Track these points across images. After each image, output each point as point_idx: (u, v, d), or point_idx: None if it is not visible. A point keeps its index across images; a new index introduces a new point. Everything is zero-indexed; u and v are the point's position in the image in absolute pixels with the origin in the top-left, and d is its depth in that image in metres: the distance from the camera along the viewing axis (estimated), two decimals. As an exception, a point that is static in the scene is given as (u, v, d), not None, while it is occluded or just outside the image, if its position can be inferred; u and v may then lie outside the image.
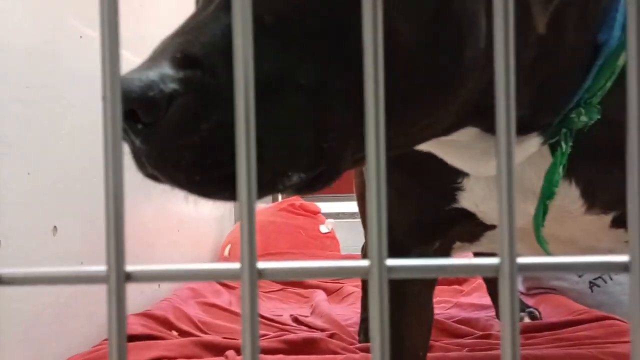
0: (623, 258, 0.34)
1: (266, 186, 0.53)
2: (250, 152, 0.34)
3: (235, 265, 0.36)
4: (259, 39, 0.50)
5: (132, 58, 1.23)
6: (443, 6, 0.54)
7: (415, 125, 0.59)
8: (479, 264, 0.36)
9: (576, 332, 1.25)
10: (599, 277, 1.48)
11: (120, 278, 0.37)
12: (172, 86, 0.50)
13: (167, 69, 0.50)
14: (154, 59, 0.52)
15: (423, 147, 0.67)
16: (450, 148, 0.68)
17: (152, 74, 0.50)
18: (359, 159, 0.58)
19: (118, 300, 0.37)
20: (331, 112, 0.54)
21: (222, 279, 0.37)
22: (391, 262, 0.34)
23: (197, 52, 0.51)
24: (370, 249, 0.34)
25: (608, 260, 0.35)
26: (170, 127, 0.50)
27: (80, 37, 1.26)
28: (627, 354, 1.12)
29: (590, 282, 1.49)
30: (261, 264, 0.36)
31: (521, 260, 0.35)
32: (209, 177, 0.51)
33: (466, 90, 0.58)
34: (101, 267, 0.38)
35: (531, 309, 1.45)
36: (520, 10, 0.58)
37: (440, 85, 0.56)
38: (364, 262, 0.35)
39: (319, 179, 0.57)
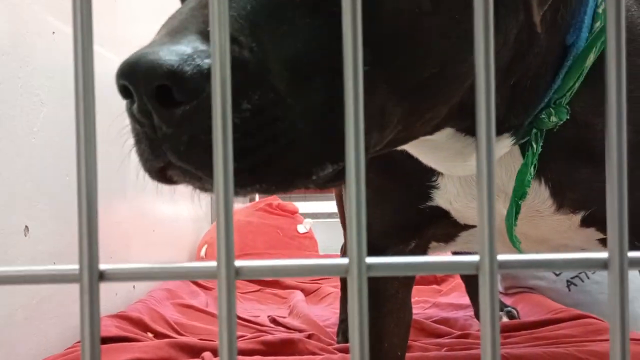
0: (602, 255, 0.34)
1: (301, 175, 0.49)
2: (227, 143, 0.33)
3: (212, 264, 0.35)
4: (291, 17, 0.48)
5: (106, 54, 1.21)
6: None
7: (421, 119, 0.58)
8: (459, 261, 0.36)
9: (554, 330, 1.26)
10: (577, 276, 1.49)
11: (93, 277, 0.36)
12: (208, 61, 0.44)
13: (198, 44, 0.45)
14: (175, 34, 0.46)
15: (404, 145, 0.67)
16: (426, 148, 0.68)
17: (184, 48, 0.44)
18: (380, 150, 0.55)
19: (91, 300, 0.36)
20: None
21: (198, 278, 0.36)
22: (371, 260, 0.34)
23: (230, 26, 0.48)
24: (350, 247, 0.34)
25: (587, 257, 0.35)
26: (207, 107, 0.44)
27: (53, 32, 1.24)
28: (605, 353, 1.13)
29: (567, 281, 1.50)
30: (239, 262, 0.35)
31: (501, 257, 0.34)
32: (244, 165, 0.46)
33: (467, 86, 0.58)
34: (74, 266, 0.36)
35: (509, 308, 1.45)
36: (502, 9, 0.59)
37: (453, 76, 0.56)
38: (343, 260, 0.34)
39: (343, 172, 0.55)
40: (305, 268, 0.36)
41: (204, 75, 0.44)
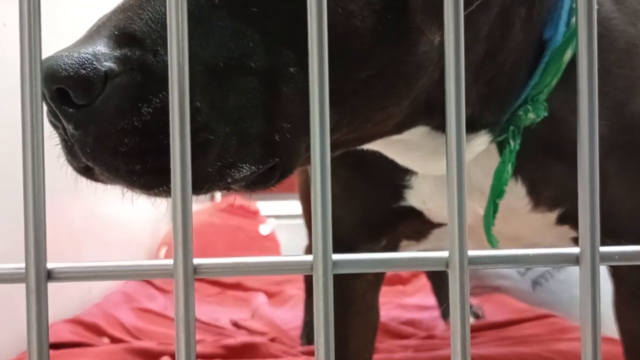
0: (574, 250, 0.33)
1: (213, 179, 0.50)
2: (184, 132, 0.32)
3: (169, 262, 0.33)
4: (208, 18, 0.49)
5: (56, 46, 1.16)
6: None
7: (369, 121, 0.57)
8: (428, 257, 0.34)
9: (519, 330, 1.26)
10: (541, 276, 1.50)
11: (40, 276, 0.33)
12: (107, 65, 0.46)
13: (102, 47, 0.47)
14: (90, 37, 0.48)
15: (373, 146, 0.66)
16: (399, 148, 0.67)
17: (85, 51, 0.46)
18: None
19: (38, 301, 0.33)
20: (284, 100, 0.51)
21: (154, 277, 0.33)
22: (337, 256, 0.33)
23: (138, 29, 0.48)
24: (315, 243, 0.32)
25: (559, 252, 0.34)
26: (107, 109, 0.46)
27: (4, 24, 1.19)
28: (570, 351, 1.13)
29: (532, 281, 1.51)
30: (197, 260, 0.33)
31: (472, 252, 0.33)
32: (150, 167, 0.48)
33: (419, 85, 0.57)
34: (19, 265, 0.34)
35: (474, 309, 1.45)
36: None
37: (394, 78, 0.55)
38: (308, 257, 0.32)
39: (271, 174, 0.54)
40: (269, 265, 0.34)
41: (101, 78, 0.46)
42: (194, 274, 0.33)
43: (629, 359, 0.79)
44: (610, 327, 0.75)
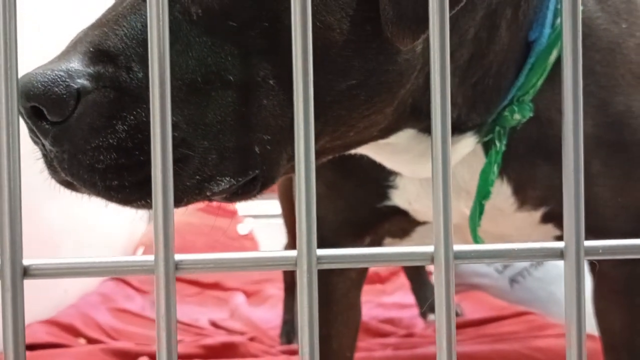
0: (558, 245, 0.33)
1: (192, 192, 0.50)
2: (165, 123, 0.31)
3: (149, 258, 0.32)
4: (186, 34, 0.49)
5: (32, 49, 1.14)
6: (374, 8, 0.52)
7: (352, 128, 0.57)
8: (413, 251, 0.34)
9: (498, 327, 1.27)
10: (519, 274, 1.51)
11: (15, 272, 0.33)
12: (80, 82, 0.47)
13: (76, 64, 0.47)
14: (66, 54, 0.49)
15: (360, 151, 0.66)
16: (387, 152, 0.67)
17: (59, 69, 0.47)
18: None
19: (14, 298, 0.33)
20: (263, 112, 0.51)
21: (133, 274, 0.33)
22: (321, 251, 0.32)
23: (112, 46, 0.48)
24: (299, 238, 0.32)
25: (544, 247, 0.34)
26: (81, 127, 0.47)
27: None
28: (549, 347, 1.14)
29: (510, 279, 1.52)
30: (178, 256, 0.33)
31: (457, 247, 0.33)
32: (127, 182, 0.48)
33: (403, 92, 0.57)
34: None
35: (453, 306, 1.46)
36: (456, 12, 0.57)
37: (376, 87, 0.55)
38: (291, 252, 0.32)
39: (252, 185, 0.54)
40: (252, 261, 0.34)
41: (73, 96, 0.46)
42: (176, 271, 0.32)
43: (608, 356, 0.79)
44: (589, 324, 0.75)
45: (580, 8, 0.32)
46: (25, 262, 0.32)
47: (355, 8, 0.51)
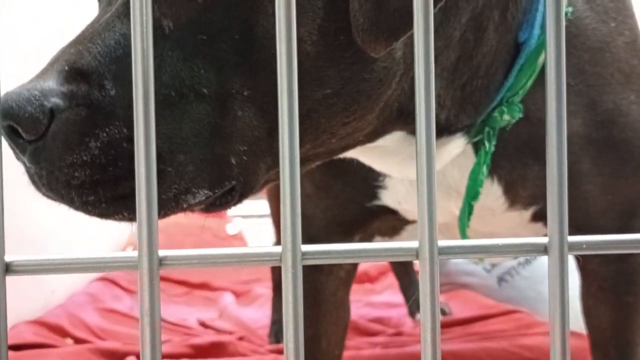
0: (542, 240, 0.33)
1: (168, 205, 0.51)
2: (148, 108, 0.31)
3: (133, 253, 0.32)
4: (159, 47, 0.49)
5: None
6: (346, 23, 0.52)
7: (333, 136, 0.57)
8: (398, 247, 0.34)
9: (486, 326, 1.27)
10: (507, 272, 1.51)
11: None
12: (54, 101, 0.48)
13: (51, 83, 0.48)
14: (44, 72, 0.50)
15: (349, 154, 0.66)
16: (377, 154, 0.67)
17: (34, 88, 0.48)
18: (277, 174, 0.55)
19: None
20: (239, 124, 0.51)
21: (117, 269, 0.33)
22: (306, 247, 0.32)
23: (85, 64, 0.49)
24: (284, 233, 0.31)
25: (528, 242, 0.34)
26: (56, 144, 0.48)
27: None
28: (536, 346, 1.14)
29: (498, 278, 1.52)
30: (163, 252, 0.32)
31: (442, 242, 0.32)
32: (104, 197, 0.49)
33: (385, 98, 0.57)
34: None
35: (441, 305, 1.46)
36: (439, 13, 0.57)
37: (353, 95, 0.55)
38: (276, 248, 0.32)
39: (230, 196, 0.54)
40: (236, 257, 0.33)
41: (47, 115, 0.47)
42: (160, 266, 0.32)
43: (596, 353, 0.79)
44: (577, 322, 0.75)
45: (564, 8, 0.32)
46: (8, 258, 0.32)
47: (326, 18, 0.51)
